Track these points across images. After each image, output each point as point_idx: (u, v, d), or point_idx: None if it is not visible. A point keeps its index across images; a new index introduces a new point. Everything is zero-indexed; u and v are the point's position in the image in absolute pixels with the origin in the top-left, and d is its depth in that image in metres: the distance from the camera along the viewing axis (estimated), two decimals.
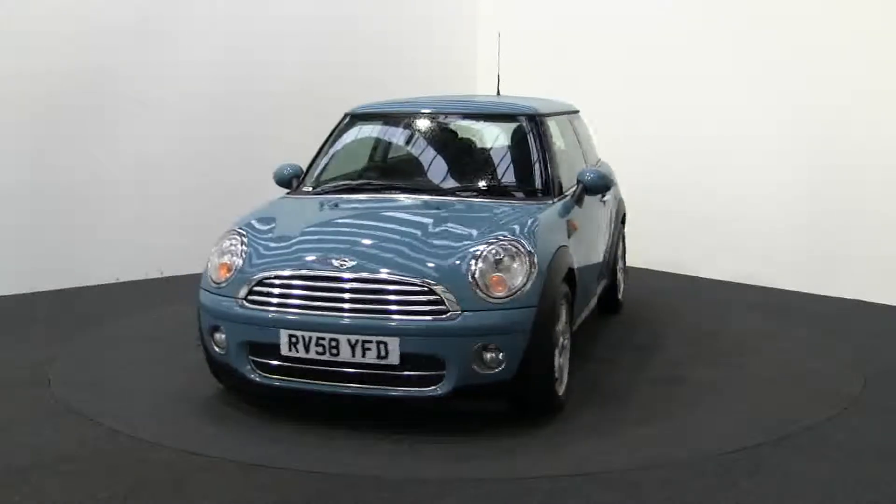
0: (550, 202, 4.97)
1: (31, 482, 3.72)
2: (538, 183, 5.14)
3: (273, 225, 4.71)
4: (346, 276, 4.20)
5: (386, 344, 4.10)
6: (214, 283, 4.52)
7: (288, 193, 5.40)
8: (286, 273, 4.32)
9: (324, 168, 5.50)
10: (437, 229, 4.51)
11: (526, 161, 5.26)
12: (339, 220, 4.94)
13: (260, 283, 4.32)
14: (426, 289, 4.12)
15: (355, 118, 5.71)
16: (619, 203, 6.67)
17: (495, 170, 5.48)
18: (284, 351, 4.23)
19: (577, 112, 6.41)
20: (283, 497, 3.63)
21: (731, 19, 7.72)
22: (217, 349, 4.53)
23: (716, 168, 7.80)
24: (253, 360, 4.37)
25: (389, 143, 5.79)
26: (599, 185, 5.33)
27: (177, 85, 7.61)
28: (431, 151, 5.58)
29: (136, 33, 7.36)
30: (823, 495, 3.67)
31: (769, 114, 7.48)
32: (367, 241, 4.44)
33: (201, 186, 7.79)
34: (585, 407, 4.59)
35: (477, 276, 4.18)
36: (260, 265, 4.40)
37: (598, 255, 5.73)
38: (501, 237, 4.36)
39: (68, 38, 7.03)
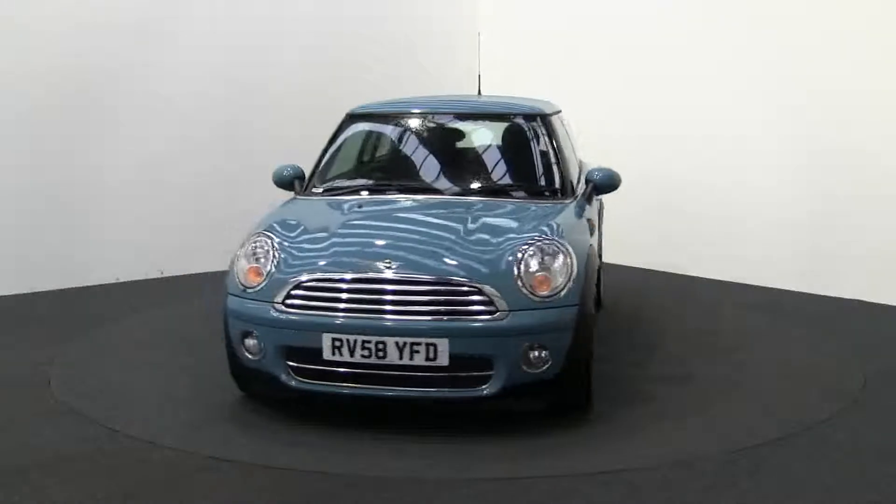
0: (569, 202, 5.02)
1: (31, 482, 3.72)
2: (555, 182, 5.19)
3: (300, 227, 4.60)
4: (393, 277, 4.15)
5: (435, 346, 4.05)
6: (245, 287, 4.35)
7: (297, 195, 5.29)
8: (328, 276, 4.23)
9: (332, 169, 5.43)
10: (472, 229, 4.50)
11: (541, 161, 5.31)
12: (371, 222, 4.84)
13: (298, 286, 4.23)
14: (474, 289, 4.12)
15: (359, 118, 5.65)
16: (601, 201, 6.70)
17: (510, 170, 5.47)
18: (327, 355, 4.13)
19: (560, 112, 6.42)
20: (283, 497, 3.63)
21: (729, 18, 7.71)
22: (248, 355, 4.37)
23: (715, 168, 7.79)
24: (290, 366, 4.26)
25: (397, 144, 5.73)
26: (608, 184, 5.33)
27: (177, 85, 7.61)
28: (442, 151, 5.53)
29: (136, 33, 7.36)
30: (823, 495, 3.67)
31: (768, 113, 7.46)
32: (406, 243, 4.42)
33: (201, 186, 7.78)
34: (573, 408, 4.57)
35: (522, 275, 4.19)
36: (297, 268, 4.29)
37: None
38: (538, 237, 4.38)
39: (68, 38, 7.03)
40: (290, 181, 5.38)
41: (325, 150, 5.52)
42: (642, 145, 8.15)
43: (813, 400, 4.80)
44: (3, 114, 6.82)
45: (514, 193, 5.13)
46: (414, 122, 5.68)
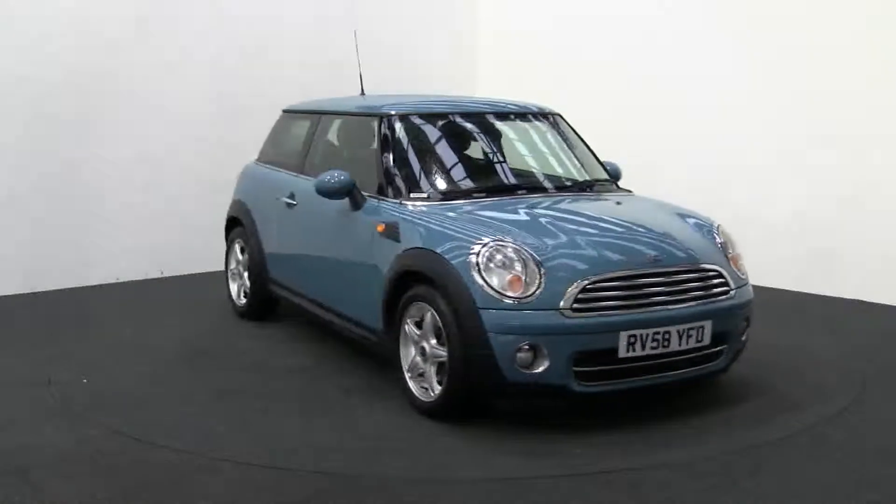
0: (631, 192, 5.44)
1: (31, 482, 3.72)
2: (605, 174, 5.57)
3: (514, 230, 4.43)
4: (667, 269, 4.38)
5: (703, 328, 4.36)
6: (514, 298, 4.11)
7: (401, 202, 4.83)
8: (615, 274, 4.24)
9: (425, 173, 5.04)
10: (658, 221, 4.80)
11: (589, 155, 5.67)
12: (581, 220, 4.73)
13: (584, 289, 4.14)
14: (716, 272, 4.53)
15: (398, 119, 5.25)
16: None
17: (576, 165, 5.60)
18: (622, 353, 4.17)
19: None
20: (283, 497, 3.63)
21: (728, 18, 7.72)
22: (521, 369, 4.11)
23: (714, 168, 7.80)
24: (576, 371, 4.15)
25: (460, 143, 5.44)
26: (616, 177, 5.68)
27: (177, 85, 7.61)
28: (497, 150, 5.44)
29: (136, 33, 7.36)
30: (823, 495, 3.67)
31: (768, 113, 7.47)
32: (640, 237, 4.57)
33: (201, 186, 7.78)
34: (580, 408, 4.59)
35: (728, 256, 4.72)
36: (572, 270, 4.20)
37: None
38: (712, 222, 4.92)
39: (68, 37, 7.03)
40: (344, 190, 4.98)
41: (387, 155, 5.08)
42: (641, 146, 8.14)
43: (813, 400, 4.80)
44: (3, 114, 6.82)
45: (596, 187, 5.40)
46: (456, 122, 5.44)
